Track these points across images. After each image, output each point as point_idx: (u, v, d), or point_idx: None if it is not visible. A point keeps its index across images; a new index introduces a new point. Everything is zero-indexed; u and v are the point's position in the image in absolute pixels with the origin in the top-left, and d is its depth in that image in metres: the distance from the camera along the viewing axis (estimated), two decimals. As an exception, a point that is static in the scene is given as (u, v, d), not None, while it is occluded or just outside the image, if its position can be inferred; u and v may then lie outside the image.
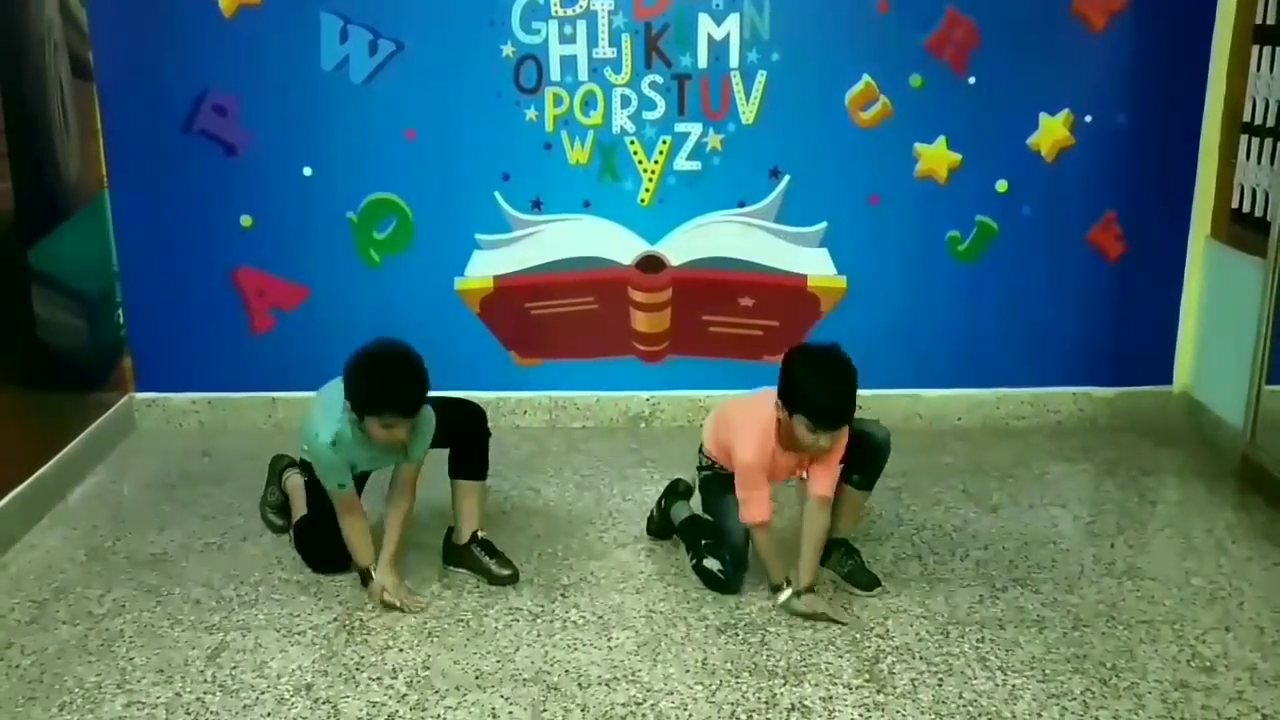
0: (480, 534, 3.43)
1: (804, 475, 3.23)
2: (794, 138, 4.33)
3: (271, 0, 4.20)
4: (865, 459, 3.26)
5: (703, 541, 3.36)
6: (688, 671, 2.92)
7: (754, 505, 3.17)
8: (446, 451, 3.41)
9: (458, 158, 4.33)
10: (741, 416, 3.25)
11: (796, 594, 3.16)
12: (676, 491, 3.61)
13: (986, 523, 3.76)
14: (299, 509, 3.53)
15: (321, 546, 3.40)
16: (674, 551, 3.56)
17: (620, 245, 4.45)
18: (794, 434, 3.07)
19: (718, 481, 3.37)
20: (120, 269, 4.49)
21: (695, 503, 3.54)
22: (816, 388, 3.02)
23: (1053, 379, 4.63)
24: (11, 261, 3.74)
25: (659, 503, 3.63)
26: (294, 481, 3.61)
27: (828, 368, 3.06)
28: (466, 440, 3.42)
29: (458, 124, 4.32)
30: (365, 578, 3.28)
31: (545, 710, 2.76)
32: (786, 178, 4.37)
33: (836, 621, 3.11)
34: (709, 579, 3.32)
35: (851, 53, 4.27)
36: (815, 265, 4.46)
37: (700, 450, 3.46)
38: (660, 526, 3.63)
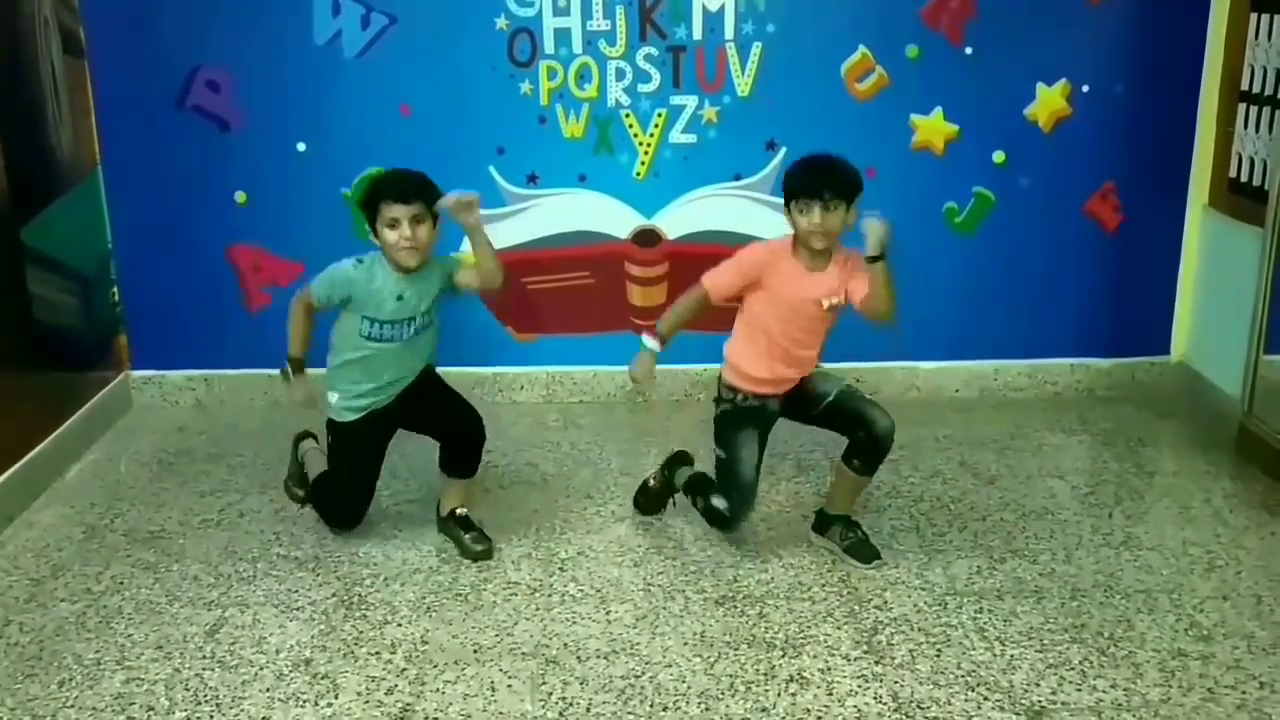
0: (459, 511, 3.45)
1: (834, 304, 3.20)
2: (790, 110, 4.31)
3: (263, -26, 4.18)
4: (867, 447, 3.25)
5: (710, 482, 3.38)
6: (686, 644, 2.92)
7: (718, 279, 3.25)
8: (447, 451, 3.47)
9: (452, 132, 4.31)
10: None
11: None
12: (680, 459, 3.59)
13: (984, 494, 3.77)
14: (317, 469, 3.54)
15: (336, 500, 3.45)
16: (671, 525, 3.56)
17: (616, 219, 4.44)
18: (797, 231, 3.14)
19: (735, 416, 3.31)
20: (114, 246, 4.47)
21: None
22: (797, 169, 3.18)
23: (1050, 350, 4.62)
24: (5, 240, 3.73)
25: (661, 470, 3.60)
26: (308, 446, 3.64)
27: (810, 157, 3.22)
28: (461, 441, 3.43)
29: (452, 98, 4.30)
30: (292, 368, 3.37)
31: (544, 683, 2.76)
32: (783, 150, 4.35)
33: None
34: (712, 516, 3.31)
35: (847, 23, 4.25)
36: (812, 238, 4.45)
37: (719, 380, 3.37)
38: (651, 500, 3.61)
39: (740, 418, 3.30)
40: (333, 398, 3.36)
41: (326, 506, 3.50)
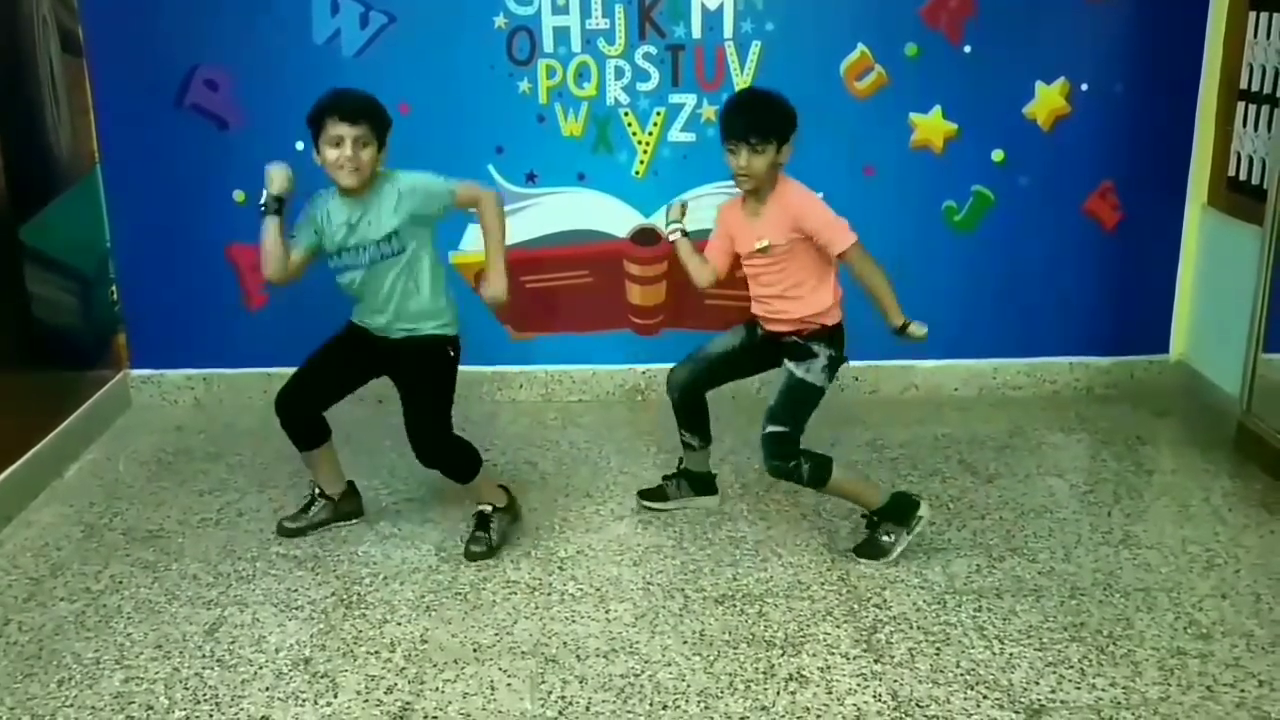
0: (480, 506, 3.42)
1: (763, 246, 3.22)
2: (789, 108, 4.31)
3: (261, -27, 4.18)
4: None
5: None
6: (685, 642, 2.92)
7: (709, 250, 3.40)
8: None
9: (451, 131, 4.31)
10: None
11: (900, 329, 3.19)
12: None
13: (983, 492, 3.77)
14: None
15: (287, 396, 3.40)
16: (671, 524, 3.56)
17: (615, 218, 4.44)
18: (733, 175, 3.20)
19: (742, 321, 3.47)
20: (113, 245, 4.47)
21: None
22: (726, 108, 3.22)
23: (1049, 349, 4.63)
24: (4, 239, 3.73)
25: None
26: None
27: (739, 95, 3.33)
28: (419, 458, 3.34)
29: (451, 97, 4.30)
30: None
31: (543, 682, 2.76)
32: (782, 149, 4.35)
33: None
34: None
35: (846, 22, 4.25)
36: (811, 236, 4.45)
37: None
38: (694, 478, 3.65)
39: (741, 323, 3.46)
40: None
41: (280, 406, 3.44)
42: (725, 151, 3.17)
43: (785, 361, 3.28)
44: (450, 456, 3.33)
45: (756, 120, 3.11)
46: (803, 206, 3.18)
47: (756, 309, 3.35)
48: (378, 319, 3.32)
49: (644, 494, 3.65)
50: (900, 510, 3.30)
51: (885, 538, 3.29)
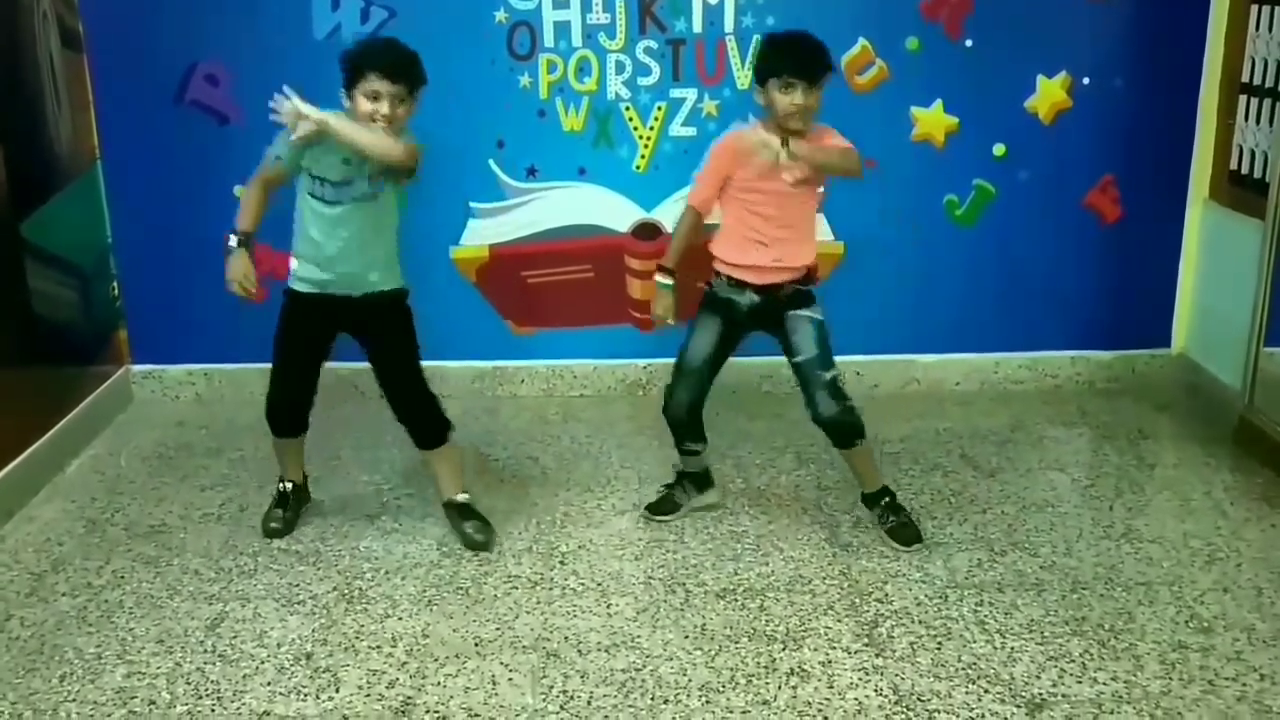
0: (459, 498, 3.44)
1: (800, 178, 3.16)
2: (790, 102, 4.30)
3: (262, -33, 4.17)
4: (821, 428, 3.32)
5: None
6: (687, 637, 2.92)
7: (701, 190, 3.31)
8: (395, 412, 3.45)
9: (452, 126, 4.31)
10: None
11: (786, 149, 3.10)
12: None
13: (984, 487, 3.76)
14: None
15: (269, 403, 3.40)
16: (672, 519, 3.56)
17: (616, 212, 4.44)
18: (776, 111, 3.12)
19: (707, 303, 3.39)
20: (114, 241, 4.47)
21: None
22: (781, 45, 3.16)
23: (1050, 343, 4.62)
24: (4, 235, 3.72)
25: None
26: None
27: (788, 33, 3.25)
28: (395, 401, 3.39)
29: (451, 91, 4.28)
30: (237, 241, 3.31)
31: (545, 677, 2.76)
32: (783, 143, 4.34)
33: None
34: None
35: (847, 16, 4.24)
36: (812, 231, 4.44)
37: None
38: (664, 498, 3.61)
39: (711, 305, 3.37)
40: (293, 264, 3.34)
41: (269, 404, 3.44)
42: (768, 90, 3.12)
43: (799, 311, 3.28)
44: (432, 408, 3.37)
45: (815, 58, 3.12)
46: (836, 135, 3.23)
47: (757, 259, 3.25)
48: (341, 267, 3.27)
49: (652, 508, 3.60)
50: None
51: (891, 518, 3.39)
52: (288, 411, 3.41)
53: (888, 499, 3.40)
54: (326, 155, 3.18)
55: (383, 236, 3.30)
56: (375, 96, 3.08)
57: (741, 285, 3.30)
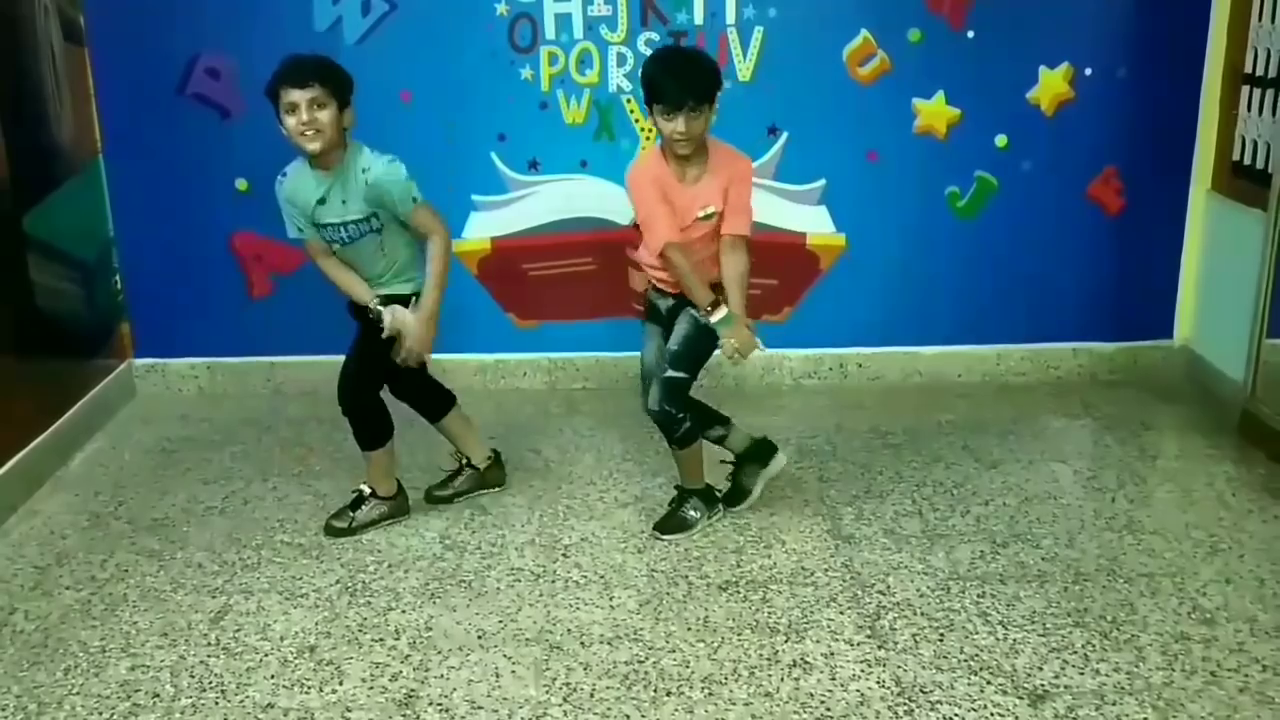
0: (361, 485, 3.50)
1: (710, 213, 3.14)
2: (791, 94, 4.30)
3: (262, -39, 4.17)
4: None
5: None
6: (689, 629, 2.93)
7: (658, 224, 3.12)
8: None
9: (453, 119, 4.31)
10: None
11: (720, 320, 3.15)
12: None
13: (987, 479, 3.77)
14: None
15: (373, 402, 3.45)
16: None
17: (618, 205, 4.43)
18: (663, 134, 3.07)
19: (645, 313, 3.44)
20: (116, 234, 4.47)
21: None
22: (658, 69, 3.04)
23: (1053, 335, 4.62)
24: (7, 228, 3.73)
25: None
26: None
27: (668, 53, 3.16)
28: (403, 392, 3.48)
29: (453, 84, 4.29)
30: (381, 302, 3.28)
31: (548, 669, 2.77)
32: (784, 135, 4.34)
33: (755, 350, 3.19)
34: None
35: (849, 8, 4.24)
36: (814, 223, 4.44)
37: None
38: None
39: (651, 313, 3.41)
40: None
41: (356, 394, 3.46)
42: (653, 116, 3.06)
43: (688, 310, 3.26)
44: (368, 413, 3.41)
45: (692, 83, 3.00)
46: (742, 176, 3.17)
47: (666, 275, 3.26)
48: (379, 280, 3.33)
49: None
50: (709, 493, 3.46)
51: (691, 513, 3.41)
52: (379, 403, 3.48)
53: (681, 495, 3.44)
54: (303, 202, 3.23)
55: (401, 250, 3.32)
56: (292, 109, 3.07)
57: (663, 292, 3.34)
